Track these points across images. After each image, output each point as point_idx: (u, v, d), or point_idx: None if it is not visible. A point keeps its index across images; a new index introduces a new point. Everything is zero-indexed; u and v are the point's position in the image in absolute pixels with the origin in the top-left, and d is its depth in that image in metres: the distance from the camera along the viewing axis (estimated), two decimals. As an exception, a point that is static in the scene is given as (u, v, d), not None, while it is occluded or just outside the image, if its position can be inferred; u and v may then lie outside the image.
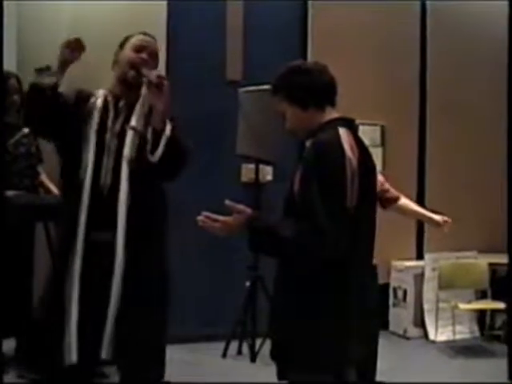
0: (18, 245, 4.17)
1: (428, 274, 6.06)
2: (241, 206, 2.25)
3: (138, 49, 2.88)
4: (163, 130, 2.80)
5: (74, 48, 2.73)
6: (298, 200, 2.18)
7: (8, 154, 4.19)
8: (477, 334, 6.09)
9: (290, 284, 2.26)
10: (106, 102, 2.86)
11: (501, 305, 5.40)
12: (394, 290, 6.17)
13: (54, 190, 4.42)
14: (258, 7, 5.87)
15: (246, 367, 5.00)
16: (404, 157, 6.32)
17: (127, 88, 2.88)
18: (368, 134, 5.82)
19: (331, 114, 2.33)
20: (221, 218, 2.24)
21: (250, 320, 5.20)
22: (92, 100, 2.86)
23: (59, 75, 2.73)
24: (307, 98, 2.30)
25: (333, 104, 2.35)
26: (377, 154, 5.81)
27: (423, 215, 3.39)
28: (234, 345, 5.25)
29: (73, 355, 2.67)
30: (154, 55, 2.93)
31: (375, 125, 6.17)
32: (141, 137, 2.82)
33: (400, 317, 6.09)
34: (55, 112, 2.73)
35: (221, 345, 5.21)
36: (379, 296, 2.46)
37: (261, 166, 5.46)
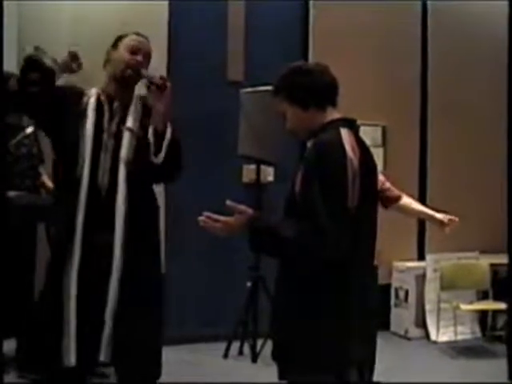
0: (19, 245, 4.18)
1: (429, 274, 6.05)
2: (242, 207, 2.25)
3: (134, 50, 2.85)
4: (165, 131, 2.80)
5: (76, 64, 2.74)
6: (300, 200, 2.18)
7: (10, 154, 4.20)
8: (478, 334, 6.09)
9: (291, 284, 2.26)
10: (99, 101, 2.83)
11: (502, 305, 5.39)
12: (396, 290, 6.17)
13: (55, 190, 4.42)
14: (260, 7, 5.87)
15: (248, 368, 5.01)
16: (405, 157, 6.32)
17: (121, 87, 2.86)
18: (369, 134, 5.82)
19: (332, 114, 2.33)
20: (222, 218, 2.24)
21: (252, 320, 5.20)
22: (85, 99, 2.83)
23: (58, 71, 2.72)
24: (308, 99, 2.29)
25: (334, 104, 2.35)
26: (378, 155, 5.81)
27: (426, 214, 3.32)
28: (235, 345, 5.25)
29: (71, 357, 2.66)
30: (147, 56, 2.90)
31: (376, 125, 6.17)
32: (137, 138, 2.81)
33: (401, 317, 6.09)
34: (51, 95, 2.70)
35: (222, 345, 5.21)
36: (380, 296, 2.46)
37: (262, 167, 5.46)
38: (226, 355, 5.21)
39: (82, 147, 2.74)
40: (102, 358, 2.70)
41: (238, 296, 5.25)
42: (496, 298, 5.73)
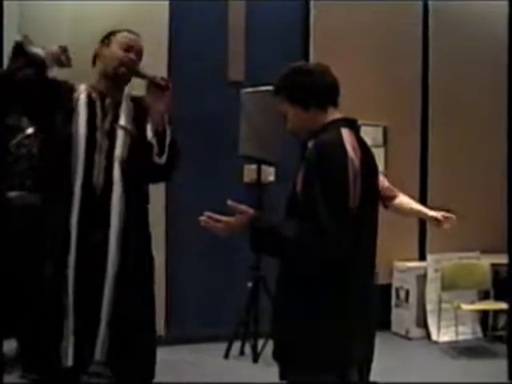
0: (19, 246, 4.17)
1: (430, 274, 6.05)
2: (243, 207, 2.25)
3: (127, 48, 2.82)
4: (165, 131, 2.80)
5: (65, 57, 2.73)
6: (301, 200, 2.17)
7: (10, 154, 4.20)
8: (479, 334, 6.08)
9: (292, 284, 2.25)
10: (90, 98, 2.79)
11: (503, 305, 5.38)
12: (397, 290, 6.17)
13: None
14: (260, 7, 5.87)
15: (249, 368, 5.01)
16: (406, 157, 6.32)
17: (113, 85, 2.83)
18: (370, 134, 5.82)
19: (333, 114, 2.32)
20: (223, 218, 2.24)
21: (253, 320, 5.20)
22: (75, 94, 2.79)
23: (48, 61, 2.69)
24: (309, 99, 2.29)
25: (335, 105, 2.35)
26: (379, 155, 5.81)
27: (421, 212, 3.23)
28: (236, 345, 5.25)
29: (69, 358, 2.66)
30: (140, 54, 2.87)
31: (377, 125, 6.16)
32: (131, 136, 2.80)
33: (402, 317, 6.09)
34: (40, 82, 2.67)
35: (223, 345, 5.21)
36: (380, 296, 2.46)
37: (263, 167, 5.46)
38: (226, 355, 5.21)
39: (75, 146, 2.71)
40: (98, 356, 2.70)
41: (239, 296, 5.25)
42: (497, 298, 5.73)
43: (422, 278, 6.07)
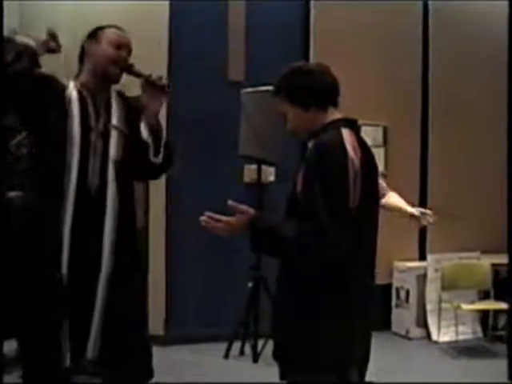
0: (19, 246, 4.17)
1: (431, 274, 6.05)
2: (243, 207, 2.25)
3: (117, 45, 2.77)
4: (159, 130, 2.79)
5: (55, 43, 2.71)
6: (301, 200, 2.17)
7: (10, 154, 4.20)
8: (480, 334, 6.08)
9: (292, 284, 2.25)
10: (81, 96, 2.75)
11: (504, 305, 5.38)
12: (397, 290, 6.17)
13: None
14: (260, 7, 5.87)
15: (249, 368, 5.01)
16: (406, 157, 6.32)
17: (102, 83, 2.79)
18: (370, 134, 5.81)
19: (333, 114, 2.32)
20: (223, 218, 2.24)
21: (253, 320, 5.20)
22: (67, 92, 2.74)
23: (39, 50, 2.66)
24: (309, 99, 2.29)
25: (335, 105, 2.35)
26: (379, 155, 5.80)
27: (401, 209, 3.17)
28: (236, 345, 5.25)
29: (66, 358, 2.66)
30: (129, 51, 2.83)
31: (377, 125, 6.16)
32: (125, 136, 2.78)
33: (402, 317, 6.09)
34: (30, 76, 2.64)
35: (223, 345, 5.21)
36: (380, 296, 2.46)
37: (263, 167, 5.46)
38: (226, 355, 5.21)
39: (70, 147, 2.68)
40: (90, 355, 2.69)
41: (239, 296, 5.25)
42: (497, 298, 5.73)
43: (422, 278, 6.07)
